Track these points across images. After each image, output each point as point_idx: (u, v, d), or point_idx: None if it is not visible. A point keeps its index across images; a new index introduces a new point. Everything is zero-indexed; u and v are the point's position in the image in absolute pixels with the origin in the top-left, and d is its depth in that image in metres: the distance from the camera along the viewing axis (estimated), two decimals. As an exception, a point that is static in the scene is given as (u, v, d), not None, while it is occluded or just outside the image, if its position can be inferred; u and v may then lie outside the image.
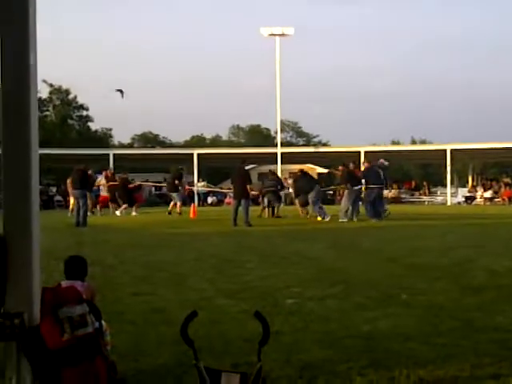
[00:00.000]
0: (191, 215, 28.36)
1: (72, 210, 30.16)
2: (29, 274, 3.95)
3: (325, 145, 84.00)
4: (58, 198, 43.72)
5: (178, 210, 31.25)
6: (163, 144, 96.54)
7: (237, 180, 24.30)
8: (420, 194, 51.72)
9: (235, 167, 26.44)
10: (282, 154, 45.97)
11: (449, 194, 48.62)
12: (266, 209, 29.57)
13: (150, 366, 6.42)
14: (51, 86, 75.82)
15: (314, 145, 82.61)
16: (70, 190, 30.47)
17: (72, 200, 31.06)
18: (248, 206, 23.75)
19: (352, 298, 9.28)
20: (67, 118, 75.71)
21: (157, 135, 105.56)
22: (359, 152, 46.19)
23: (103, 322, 5.16)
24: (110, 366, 4.45)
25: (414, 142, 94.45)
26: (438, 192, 51.03)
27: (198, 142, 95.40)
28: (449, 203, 47.21)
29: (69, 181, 28.27)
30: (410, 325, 7.72)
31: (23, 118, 4.02)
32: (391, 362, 6.26)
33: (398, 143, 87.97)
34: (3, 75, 4.07)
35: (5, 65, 4.06)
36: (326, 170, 48.95)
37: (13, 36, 4.03)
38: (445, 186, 51.23)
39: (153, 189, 52.41)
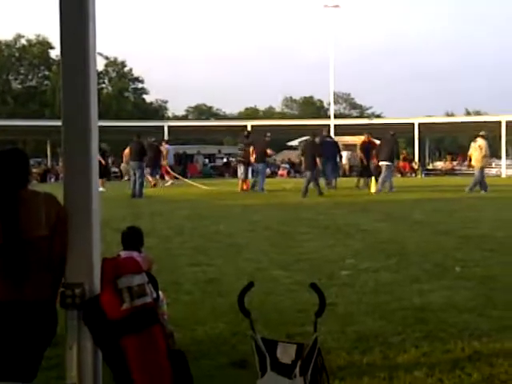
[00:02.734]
0: (245, 187, 28.38)
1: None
2: (89, 245, 4.03)
3: (378, 116, 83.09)
4: (114, 169, 44.18)
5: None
6: (217, 116, 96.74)
7: (308, 152, 25.08)
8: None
9: (307, 140, 27.44)
10: (335, 125, 45.72)
11: (504, 166, 47.80)
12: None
13: (206, 335, 6.54)
14: (107, 58, 76.47)
15: (368, 117, 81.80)
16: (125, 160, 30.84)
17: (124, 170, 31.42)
18: (314, 177, 24.36)
19: (406, 271, 9.27)
20: (123, 90, 76.25)
21: (211, 107, 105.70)
22: (413, 124, 45.70)
23: (160, 292, 5.26)
24: (168, 336, 4.55)
25: (468, 114, 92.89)
26: (493, 164, 50.14)
27: (251, 113, 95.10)
28: (503, 175, 46.43)
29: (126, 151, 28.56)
30: (465, 297, 7.70)
31: (83, 91, 4.07)
32: (445, 335, 6.27)
33: (452, 115, 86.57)
34: (63, 48, 4.13)
35: (64, 38, 4.11)
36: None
37: (71, 9, 4.08)
38: (499, 157, 50.26)
39: (206, 160, 52.64)
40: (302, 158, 26.94)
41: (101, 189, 24.16)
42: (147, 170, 28.04)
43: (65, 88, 4.13)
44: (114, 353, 3.89)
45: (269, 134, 28.19)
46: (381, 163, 25.71)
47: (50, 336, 4.11)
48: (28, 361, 4.03)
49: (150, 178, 29.92)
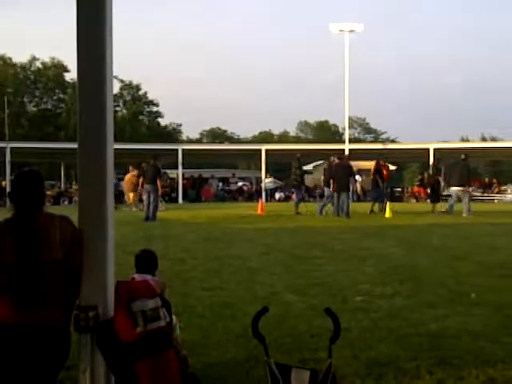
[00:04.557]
0: (259, 211, 28.39)
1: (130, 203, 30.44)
2: (103, 268, 4.04)
3: (393, 141, 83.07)
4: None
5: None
6: (231, 139, 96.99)
7: (340, 174, 25.31)
8: (490, 192, 50.73)
9: (337, 163, 26.85)
10: (349, 150, 45.66)
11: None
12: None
13: (219, 359, 6.50)
14: (122, 81, 76.92)
15: (382, 141, 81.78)
16: (126, 187, 30.89)
17: (131, 195, 31.32)
18: (349, 198, 25.12)
19: (420, 296, 9.21)
20: (138, 113, 76.63)
21: (225, 131, 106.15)
22: (428, 149, 45.57)
23: (173, 316, 5.25)
24: (182, 360, 4.53)
25: (483, 140, 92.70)
26: (509, 190, 49.82)
27: (265, 137, 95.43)
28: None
29: (127, 177, 28.57)
30: (480, 323, 7.64)
31: (100, 114, 4.10)
32: (460, 361, 6.22)
33: (467, 140, 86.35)
34: (79, 71, 4.16)
35: (81, 62, 4.14)
36: (394, 167, 48.41)
37: (89, 33, 4.11)
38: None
39: (220, 184, 52.69)
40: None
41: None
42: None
43: (81, 111, 4.16)
44: (126, 376, 3.88)
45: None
46: (454, 189, 25.67)
47: (62, 360, 4.09)
48: None
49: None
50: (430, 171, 29.13)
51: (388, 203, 25.98)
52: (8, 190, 40.30)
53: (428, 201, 42.48)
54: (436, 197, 28.46)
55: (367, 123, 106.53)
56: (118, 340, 3.86)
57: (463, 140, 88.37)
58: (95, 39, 4.10)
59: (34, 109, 74.94)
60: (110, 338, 3.89)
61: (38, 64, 73.75)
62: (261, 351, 4.08)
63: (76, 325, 3.96)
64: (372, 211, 27.43)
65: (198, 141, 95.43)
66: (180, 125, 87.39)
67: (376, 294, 9.43)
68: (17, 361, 3.89)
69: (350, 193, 26.54)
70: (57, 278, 3.95)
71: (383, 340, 6.99)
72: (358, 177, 38.99)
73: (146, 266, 5.76)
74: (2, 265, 3.89)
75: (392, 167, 33.58)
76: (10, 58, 71.76)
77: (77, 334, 4.03)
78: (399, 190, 45.97)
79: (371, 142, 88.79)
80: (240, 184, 52.71)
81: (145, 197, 24.93)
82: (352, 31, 46.14)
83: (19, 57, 75.61)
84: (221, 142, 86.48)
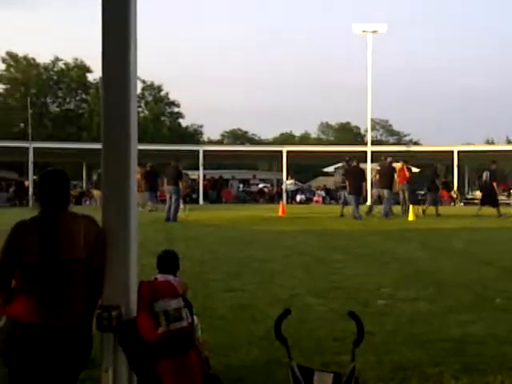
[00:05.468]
0: (280, 213, 28.36)
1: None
2: (126, 268, 4.02)
3: (416, 144, 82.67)
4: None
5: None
6: (252, 141, 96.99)
7: (354, 177, 26.06)
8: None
9: (349, 166, 27.73)
10: (371, 152, 45.50)
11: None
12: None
13: (240, 361, 6.47)
14: (144, 82, 77.14)
15: (405, 144, 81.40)
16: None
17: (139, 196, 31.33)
18: (359, 201, 25.77)
19: (444, 301, 9.12)
20: (159, 114, 76.82)
21: (246, 132, 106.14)
22: (452, 151, 45.31)
23: (195, 317, 5.21)
24: (203, 360, 4.49)
25: (509, 142, 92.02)
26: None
27: (286, 139, 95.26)
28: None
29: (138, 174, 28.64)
30: (505, 329, 7.55)
31: (124, 115, 4.09)
32: (485, 367, 6.14)
33: (492, 143, 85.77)
34: (104, 71, 4.15)
35: (106, 63, 4.13)
36: (417, 170, 48.10)
37: (114, 35, 4.10)
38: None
39: (241, 185, 52.74)
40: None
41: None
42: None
43: (105, 111, 4.15)
44: (148, 376, 3.86)
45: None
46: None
47: (85, 359, 4.09)
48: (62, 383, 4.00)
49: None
50: (485, 175, 28.67)
51: (411, 206, 25.79)
52: (30, 189, 40.66)
53: (461, 204, 42.47)
54: (495, 201, 27.95)
55: (390, 125, 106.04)
56: (141, 340, 3.85)
57: (488, 142, 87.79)
58: (120, 40, 4.08)
59: (57, 109, 75.28)
60: (132, 337, 3.88)
61: (61, 65, 74.15)
62: (282, 354, 4.04)
63: (99, 324, 3.94)
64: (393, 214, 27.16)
65: (219, 142, 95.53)
66: (201, 126, 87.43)
67: (399, 297, 9.36)
68: (40, 359, 3.90)
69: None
70: (80, 276, 3.96)
71: (406, 344, 6.92)
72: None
73: (168, 267, 5.73)
74: (27, 263, 3.91)
75: (415, 169, 33.30)
76: (34, 59, 72.21)
77: (99, 333, 4.02)
78: (421, 193, 45.74)
79: (394, 144, 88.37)
80: (261, 186, 52.72)
81: (167, 198, 24.98)
82: (375, 32, 45.90)
83: (42, 57, 76.03)
84: (242, 144, 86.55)
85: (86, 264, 3.97)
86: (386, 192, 26.26)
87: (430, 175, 28.51)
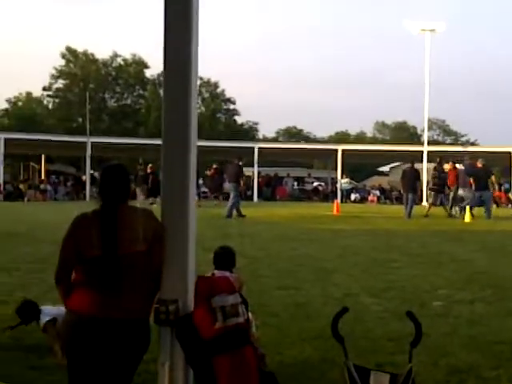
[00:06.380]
0: (334, 211, 28.27)
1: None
2: (185, 263, 4.05)
3: (473, 144, 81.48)
4: (204, 189, 44.53)
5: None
6: (307, 139, 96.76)
7: (410, 176, 26.69)
8: None
9: (407, 168, 28.75)
10: (428, 152, 45.01)
11: None
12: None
13: (294, 359, 6.46)
14: (201, 78, 77.55)
15: (462, 144, 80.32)
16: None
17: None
18: (414, 200, 26.50)
19: (502, 303, 8.97)
20: (215, 111, 77.13)
21: (301, 130, 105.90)
22: (510, 153, 44.53)
23: (249, 314, 5.21)
24: (259, 357, 4.49)
25: None
26: None
27: (341, 137, 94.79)
28: None
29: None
30: None
31: (184, 111, 4.11)
32: (545, 371, 6.01)
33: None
34: (166, 70, 4.18)
35: (168, 59, 4.16)
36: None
37: (176, 31, 4.12)
38: None
39: (295, 183, 52.69)
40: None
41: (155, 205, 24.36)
42: None
43: (166, 107, 4.18)
44: (205, 371, 3.88)
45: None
46: None
47: (142, 352, 4.10)
48: (119, 377, 4.04)
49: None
50: None
51: (468, 208, 25.38)
52: (88, 184, 41.25)
53: (509, 205, 41.70)
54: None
55: (447, 125, 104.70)
56: (197, 335, 3.86)
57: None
58: (182, 35, 4.11)
59: (115, 104, 76.16)
60: (189, 332, 3.90)
61: (120, 60, 74.99)
62: (336, 353, 4.02)
63: (156, 318, 3.98)
64: (450, 215, 26.82)
65: (274, 139, 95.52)
66: (256, 123, 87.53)
67: (455, 299, 9.24)
68: (99, 352, 3.93)
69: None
70: (139, 270, 3.97)
71: (463, 347, 6.83)
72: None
73: (224, 263, 5.74)
74: (88, 257, 3.94)
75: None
76: (93, 54, 73.17)
77: (156, 327, 4.04)
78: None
79: (450, 144, 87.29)
80: (315, 184, 52.60)
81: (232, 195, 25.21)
82: (433, 30, 45.38)
83: (101, 53, 76.91)
84: (297, 141, 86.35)
85: (145, 258, 3.98)
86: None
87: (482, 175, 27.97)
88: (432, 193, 28.65)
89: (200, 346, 3.86)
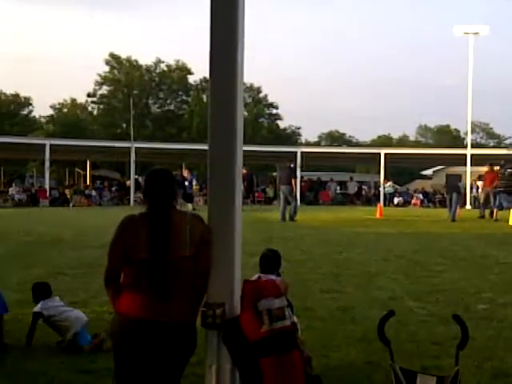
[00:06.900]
0: (378, 215, 28.20)
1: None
2: (231, 266, 4.12)
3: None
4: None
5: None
6: (349, 143, 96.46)
7: (452, 179, 27.43)
8: None
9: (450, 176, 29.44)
10: (471, 155, 44.60)
11: None
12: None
13: (339, 362, 6.50)
14: (244, 83, 77.70)
15: (506, 147, 79.29)
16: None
17: None
18: (458, 200, 26.55)
19: (548, 307, 8.90)
20: (258, 116, 77.18)
21: (343, 134, 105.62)
22: (557, 154, 43.92)
23: (294, 317, 5.28)
24: (306, 360, 4.54)
25: None
26: None
27: (384, 141, 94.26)
28: None
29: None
30: None
31: (231, 116, 4.19)
32: None
33: None
34: (212, 74, 4.27)
35: (214, 65, 4.24)
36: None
37: (221, 36, 4.21)
38: None
39: (338, 187, 52.54)
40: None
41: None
42: None
43: (213, 113, 4.24)
44: (252, 374, 3.93)
45: None
46: None
47: (189, 355, 4.15)
48: (166, 380, 4.09)
49: None
50: None
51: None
52: (132, 189, 41.61)
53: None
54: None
55: (491, 128, 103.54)
56: (244, 338, 3.92)
57: None
58: (228, 43, 4.18)
59: (158, 110, 76.69)
60: (236, 335, 3.95)
61: (163, 66, 75.52)
62: (381, 356, 4.06)
63: (203, 321, 4.03)
64: (495, 219, 26.49)
65: (317, 144, 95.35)
66: (299, 128, 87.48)
67: (500, 302, 9.19)
68: (146, 354, 3.98)
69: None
70: (186, 274, 4.02)
71: (508, 350, 6.81)
72: (480, 183, 37.87)
73: (270, 266, 5.81)
74: (136, 259, 3.99)
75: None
76: (136, 61, 73.77)
77: (203, 330, 4.12)
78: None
79: (494, 147, 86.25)
80: (357, 188, 52.43)
81: (281, 197, 25.37)
82: (476, 33, 44.96)
83: (145, 59, 77.49)
84: (339, 146, 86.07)
85: (192, 261, 4.02)
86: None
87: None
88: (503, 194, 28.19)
89: (246, 348, 3.91)
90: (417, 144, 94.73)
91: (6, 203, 39.36)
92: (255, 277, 5.46)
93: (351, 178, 55.38)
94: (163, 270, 3.95)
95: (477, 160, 43.27)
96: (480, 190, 34.20)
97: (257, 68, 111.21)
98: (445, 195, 31.36)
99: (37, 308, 7.15)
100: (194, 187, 36.15)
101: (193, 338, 4.10)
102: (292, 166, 26.66)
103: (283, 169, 27.10)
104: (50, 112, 76.24)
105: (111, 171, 61.07)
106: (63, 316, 7.10)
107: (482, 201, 28.46)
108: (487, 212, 27.42)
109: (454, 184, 26.39)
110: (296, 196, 25.98)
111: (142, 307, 3.96)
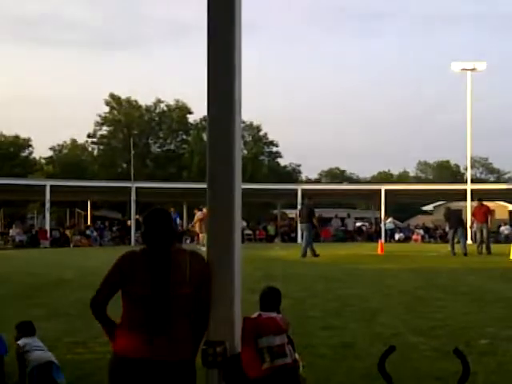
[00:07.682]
0: (379, 251, 28.19)
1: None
2: (231, 304, 4.12)
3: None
4: (248, 231, 44.64)
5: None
6: (350, 180, 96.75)
7: (455, 213, 27.98)
8: None
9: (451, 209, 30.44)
10: (471, 190, 44.66)
11: None
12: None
13: (343, 400, 6.47)
14: (243, 122, 78.06)
15: (506, 182, 79.41)
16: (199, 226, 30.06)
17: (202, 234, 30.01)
18: (466, 233, 27.77)
19: (550, 341, 8.86)
20: (258, 154, 77.40)
21: (343, 171, 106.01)
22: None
23: (296, 355, 5.26)
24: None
25: None
26: None
27: (384, 177, 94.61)
28: None
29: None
30: None
31: (228, 155, 4.23)
32: None
33: None
34: (210, 112, 4.31)
35: (211, 102, 4.29)
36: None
37: (219, 70, 4.27)
38: None
39: (339, 223, 52.52)
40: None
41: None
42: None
43: (210, 152, 4.28)
44: (253, 412, 3.91)
45: None
46: None
47: None
48: None
49: None
50: None
51: None
52: (133, 229, 41.55)
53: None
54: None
55: (490, 163, 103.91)
56: (245, 376, 3.90)
57: None
58: (225, 81, 4.24)
59: (158, 149, 76.97)
60: (237, 373, 3.93)
61: (163, 106, 75.93)
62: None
63: (204, 360, 4.01)
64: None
65: (317, 181, 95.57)
66: (299, 165, 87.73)
67: (502, 337, 9.14)
68: None
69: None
70: (185, 312, 4.02)
71: (511, 384, 6.78)
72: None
73: (270, 303, 5.79)
74: (133, 294, 3.98)
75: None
76: (136, 101, 74.22)
77: (204, 369, 4.09)
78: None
79: (494, 182, 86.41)
80: (358, 224, 52.41)
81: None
82: (474, 69, 45.28)
83: (144, 99, 77.95)
84: (339, 183, 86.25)
85: (192, 299, 4.02)
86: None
87: None
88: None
89: (247, 386, 3.91)
90: (417, 180, 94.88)
91: (7, 245, 39.33)
92: (256, 314, 5.44)
93: (348, 215, 55.49)
94: (163, 308, 3.94)
95: (477, 195, 43.34)
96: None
97: (256, 106, 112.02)
98: (446, 229, 31.44)
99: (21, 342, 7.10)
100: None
101: (192, 376, 4.06)
102: (311, 204, 27.01)
103: (304, 206, 27.45)
104: (50, 153, 76.59)
105: (112, 211, 61.12)
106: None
107: (478, 236, 28.51)
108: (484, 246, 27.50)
109: (459, 218, 26.41)
110: (311, 235, 26.15)
111: (139, 346, 3.92)
